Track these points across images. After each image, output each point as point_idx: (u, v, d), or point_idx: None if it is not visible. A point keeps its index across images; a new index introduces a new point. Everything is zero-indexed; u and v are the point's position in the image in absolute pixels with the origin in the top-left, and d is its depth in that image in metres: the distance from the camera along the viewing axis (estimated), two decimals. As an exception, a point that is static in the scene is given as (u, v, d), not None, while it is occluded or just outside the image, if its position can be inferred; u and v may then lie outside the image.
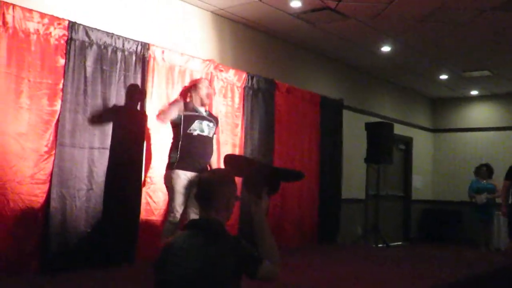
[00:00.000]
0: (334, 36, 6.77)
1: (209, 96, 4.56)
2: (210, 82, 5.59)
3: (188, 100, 4.45)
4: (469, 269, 5.12)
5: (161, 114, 4.27)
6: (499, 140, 10.05)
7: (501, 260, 6.53)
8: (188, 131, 4.24)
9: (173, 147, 4.29)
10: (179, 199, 4.16)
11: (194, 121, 4.28)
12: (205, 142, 4.32)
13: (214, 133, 4.54)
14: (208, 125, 4.36)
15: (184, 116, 4.25)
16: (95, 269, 4.28)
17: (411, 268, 5.17)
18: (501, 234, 8.82)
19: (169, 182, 4.23)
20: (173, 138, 4.34)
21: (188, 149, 4.21)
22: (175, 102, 4.39)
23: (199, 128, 4.29)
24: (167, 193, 4.43)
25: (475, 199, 8.76)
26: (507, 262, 5.96)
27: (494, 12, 5.65)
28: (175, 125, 4.28)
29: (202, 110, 4.42)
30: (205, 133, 4.32)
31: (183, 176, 4.17)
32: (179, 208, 4.16)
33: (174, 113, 4.22)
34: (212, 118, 4.50)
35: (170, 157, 4.30)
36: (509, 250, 6.28)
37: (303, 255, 5.83)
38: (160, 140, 5.01)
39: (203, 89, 4.44)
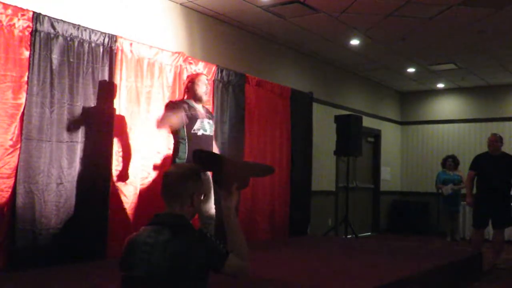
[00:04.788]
0: (304, 30, 6.79)
1: (207, 92, 4.40)
2: (180, 75, 5.56)
3: (185, 97, 4.34)
4: (436, 260, 5.23)
5: (159, 122, 4.18)
6: (464, 132, 10.29)
7: (466, 249, 6.71)
8: (192, 132, 4.16)
9: (178, 149, 4.17)
10: None
11: (196, 121, 4.18)
12: (207, 141, 4.24)
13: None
14: (209, 123, 4.29)
15: (187, 116, 4.14)
16: (64, 266, 4.21)
17: (379, 259, 5.26)
18: (466, 224, 9.05)
19: None
20: (176, 141, 4.24)
21: (193, 148, 3.99)
22: (170, 110, 4.20)
23: (202, 127, 4.21)
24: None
25: (442, 190, 8.97)
26: (472, 251, 6.11)
27: (460, 7, 5.76)
28: (175, 129, 4.18)
29: (200, 108, 4.31)
30: (208, 132, 4.25)
31: None
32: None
33: (172, 118, 4.09)
34: (210, 115, 4.42)
35: (176, 158, 4.19)
36: (473, 239, 6.42)
37: (275, 248, 5.87)
38: (133, 133, 4.96)
39: (202, 86, 4.31)
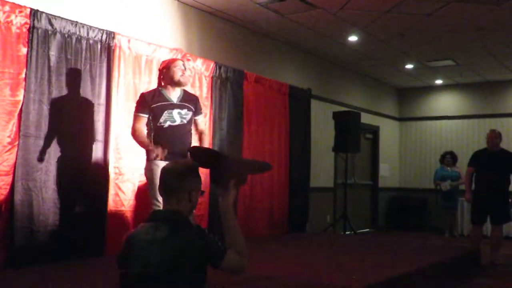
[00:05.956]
0: (302, 26, 6.78)
1: (183, 78, 4.15)
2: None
3: (162, 83, 4.18)
4: (435, 256, 5.24)
5: (136, 136, 4.08)
6: (463, 128, 10.30)
7: (464, 245, 6.72)
8: (158, 124, 4.02)
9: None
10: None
11: (163, 113, 4.02)
12: (179, 132, 4.05)
13: (193, 116, 4.21)
14: (179, 113, 4.08)
15: (153, 108, 4.02)
16: (63, 263, 4.21)
17: (378, 255, 5.26)
18: (465, 220, 9.07)
19: (150, 174, 3.99)
20: (147, 130, 4.12)
21: (161, 142, 3.95)
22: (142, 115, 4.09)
23: (170, 118, 4.03)
24: (145, 184, 4.25)
25: (440, 187, 8.97)
26: (470, 247, 6.12)
27: (458, 3, 5.75)
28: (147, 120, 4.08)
29: (173, 96, 4.11)
30: (177, 123, 4.04)
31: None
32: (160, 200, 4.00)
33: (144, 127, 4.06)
34: (186, 102, 4.16)
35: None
36: (471, 235, 6.43)
37: (273, 245, 5.87)
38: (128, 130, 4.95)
39: (177, 72, 4.10)
